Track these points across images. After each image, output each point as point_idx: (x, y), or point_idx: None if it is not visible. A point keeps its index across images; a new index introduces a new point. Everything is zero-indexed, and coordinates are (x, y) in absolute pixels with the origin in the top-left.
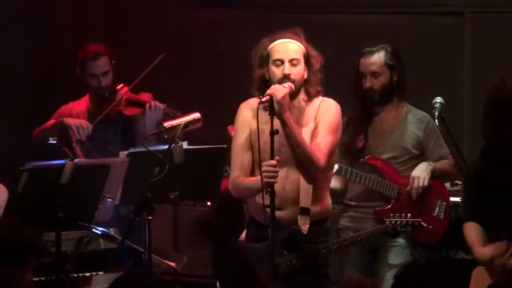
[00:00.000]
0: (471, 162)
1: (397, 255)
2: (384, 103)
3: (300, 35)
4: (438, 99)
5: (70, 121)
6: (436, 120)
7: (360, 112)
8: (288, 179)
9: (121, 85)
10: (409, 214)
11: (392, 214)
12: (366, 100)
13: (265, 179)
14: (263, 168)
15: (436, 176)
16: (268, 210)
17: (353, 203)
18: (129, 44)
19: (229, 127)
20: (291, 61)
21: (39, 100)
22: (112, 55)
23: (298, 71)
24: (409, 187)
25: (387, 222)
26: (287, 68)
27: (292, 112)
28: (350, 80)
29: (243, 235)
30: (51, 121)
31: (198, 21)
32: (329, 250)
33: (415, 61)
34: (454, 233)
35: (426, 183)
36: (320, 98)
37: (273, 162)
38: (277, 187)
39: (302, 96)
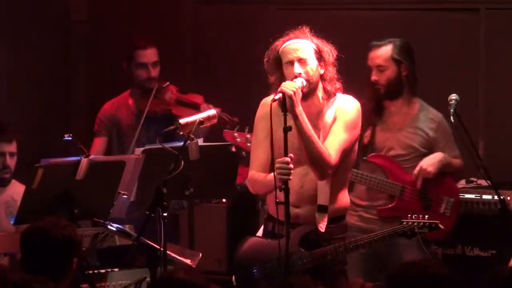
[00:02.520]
0: (486, 159)
1: (414, 255)
2: (393, 98)
3: (307, 32)
4: (454, 96)
5: None
6: (452, 117)
7: (369, 106)
8: (307, 176)
9: (167, 83)
10: (426, 216)
11: (409, 215)
12: (373, 94)
13: (279, 176)
14: (277, 165)
15: (446, 172)
16: (290, 207)
17: (363, 203)
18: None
19: (224, 131)
20: (299, 60)
21: (54, 97)
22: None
23: (309, 69)
24: (414, 173)
25: (404, 223)
26: (296, 68)
27: (311, 110)
28: (364, 77)
29: (260, 230)
30: (97, 145)
31: (212, 18)
32: (346, 248)
33: (430, 57)
34: (469, 230)
35: (431, 175)
36: (339, 95)
37: (287, 159)
38: (295, 184)
39: (320, 94)
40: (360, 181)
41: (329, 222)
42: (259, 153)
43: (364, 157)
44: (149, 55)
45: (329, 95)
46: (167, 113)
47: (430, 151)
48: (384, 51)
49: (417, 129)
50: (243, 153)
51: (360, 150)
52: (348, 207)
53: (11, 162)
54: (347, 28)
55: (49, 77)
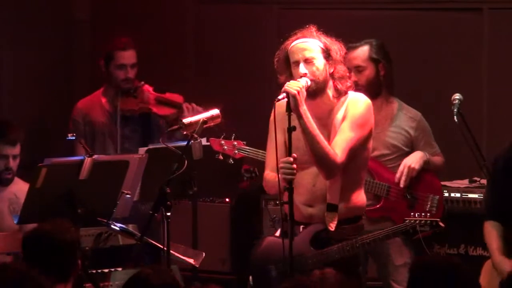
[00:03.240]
0: (489, 159)
1: (401, 255)
2: (372, 98)
3: (313, 31)
4: (457, 96)
5: None
6: (455, 117)
7: None
8: (320, 175)
9: (142, 82)
10: (428, 214)
11: (412, 214)
12: None
13: (283, 176)
14: (280, 165)
15: (428, 169)
16: (304, 206)
17: None
18: (146, 40)
19: (210, 139)
20: (305, 60)
21: (56, 96)
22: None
23: (315, 69)
24: (397, 174)
25: (407, 221)
26: (301, 68)
27: (321, 110)
28: None
29: (278, 230)
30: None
31: (215, 17)
32: (353, 247)
33: (433, 57)
34: (472, 230)
35: (414, 173)
36: (351, 94)
37: (290, 159)
38: (307, 183)
39: (330, 92)
40: None
41: (343, 223)
42: (273, 154)
43: None
44: (129, 56)
45: (339, 94)
46: (146, 111)
47: (412, 149)
48: (361, 52)
49: (399, 128)
50: (230, 160)
51: None
52: (364, 208)
53: (14, 164)
54: (349, 28)
55: (51, 76)
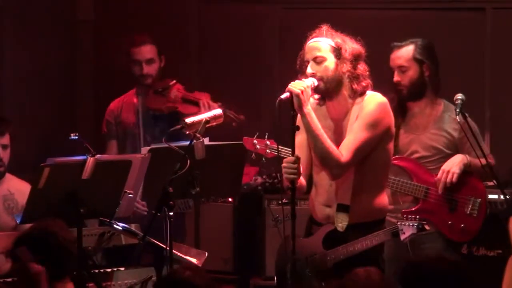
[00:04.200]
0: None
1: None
2: (416, 99)
3: (324, 30)
4: (460, 96)
5: None
6: (458, 117)
7: (392, 108)
8: None
9: (174, 81)
10: (417, 216)
11: (405, 216)
12: (395, 95)
13: (285, 176)
14: (283, 165)
15: (471, 172)
16: (322, 207)
17: (389, 207)
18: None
19: (244, 138)
20: (314, 59)
21: (60, 96)
22: (159, 48)
23: (325, 68)
24: (437, 179)
25: (398, 223)
26: (309, 68)
27: (338, 110)
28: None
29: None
30: (112, 147)
31: (218, 17)
32: (351, 251)
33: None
34: None
35: (455, 179)
36: (369, 93)
37: (292, 158)
38: (325, 183)
39: (347, 92)
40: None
41: (361, 227)
42: (301, 154)
43: None
44: (143, 52)
45: (355, 94)
46: (174, 111)
47: (456, 151)
48: (405, 52)
49: (440, 130)
50: (263, 159)
51: None
52: (385, 211)
53: (4, 154)
54: (352, 28)
55: (55, 76)
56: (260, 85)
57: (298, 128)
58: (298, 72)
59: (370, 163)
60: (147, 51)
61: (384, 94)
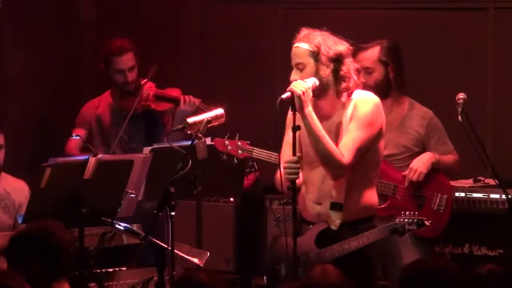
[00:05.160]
0: (494, 158)
1: (411, 254)
2: (381, 99)
3: (303, 35)
4: (462, 95)
5: None
6: (460, 116)
7: None
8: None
9: (145, 80)
10: (416, 213)
11: (403, 213)
12: None
13: (286, 176)
14: (284, 165)
15: (438, 169)
16: (313, 204)
17: None
18: (151, 39)
19: (215, 139)
20: (296, 65)
21: (62, 96)
22: (136, 49)
23: (305, 73)
24: (403, 174)
25: (397, 220)
26: (292, 74)
27: (326, 110)
28: None
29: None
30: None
31: (219, 17)
32: (344, 249)
33: (438, 56)
34: (477, 229)
35: (421, 178)
36: (360, 92)
37: (294, 158)
38: (316, 180)
39: (334, 92)
40: None
41: (355, 223)
42: (285, 152)
43: None
44: (125, 61)
45: (341, 93)
46: (147, 109)
47: (423, 149)
48: (371, 54)
49: (408, 128)
50: (234, 160)
51: None
52: (375, 207)
53: (0, 154)
54: (353, 28)
55: (57, 76)
56: (261, 85)
57: (299, 127)
58: None
59: (363, 162)
60: (129, 59)
61: None
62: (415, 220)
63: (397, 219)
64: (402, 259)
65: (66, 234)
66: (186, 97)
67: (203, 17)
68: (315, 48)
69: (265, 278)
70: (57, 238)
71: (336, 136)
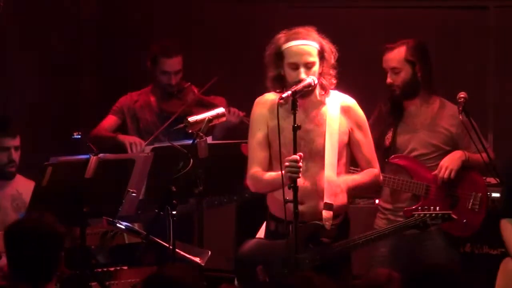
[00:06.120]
0: (495, 157)
1: (437, 253)
2: (409, 98)
3: (312, 33)
4: (462, 94)
5: (125, 138)
6: (461, 115)
7: (387, 108)
8: (308, 172)
9: (189, 83)
10: (437, 207)
11: (420, 208)
12: (389, 96)
13: (288, 174)
14: (286, 164)
15: (471, 167)
16: (291, 204)
17: (389, 206)
18: (152, 39)
19: (242, 145)
20: (306, 64)
21: (64, 95)
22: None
23: (313, 73)
24: (434, 173)
25: (416, 215)
26: (302, 74)
27: (309, 106)
28: (375, 75)
29: (261, 231)
30: (110, 120)
31: (223, 15)
32: (356, 244)
33: (440, 55)
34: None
35: (453, 175)
36: (339, 95)
37: (296, 157)
38: (297, 180)
39: (317, 90)
40: (384, 183)
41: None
42: (258, 151)
43: (386, 160)
44: (174, 64)
45: (325, 89)
46: (188, 113)
47: (454, 147)
48: (397, 53)
49: (438, 127)
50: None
51: (383, 153)
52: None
53: (16, 156)
54: (356, 27)
55: (58, 76)
56: (264, 84)
57: (299, 127)
58: (267, 67)
59: (345, 160)
60: (178, 62)
61: (373, 95)
62: (440, 214)
63: (415, 214)
64: (428, 259)
65: (61, 228)
66: (232, 108)
67: (207, 16)
68: (321, 47)
69: (236, 280)
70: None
71: (322, 134)
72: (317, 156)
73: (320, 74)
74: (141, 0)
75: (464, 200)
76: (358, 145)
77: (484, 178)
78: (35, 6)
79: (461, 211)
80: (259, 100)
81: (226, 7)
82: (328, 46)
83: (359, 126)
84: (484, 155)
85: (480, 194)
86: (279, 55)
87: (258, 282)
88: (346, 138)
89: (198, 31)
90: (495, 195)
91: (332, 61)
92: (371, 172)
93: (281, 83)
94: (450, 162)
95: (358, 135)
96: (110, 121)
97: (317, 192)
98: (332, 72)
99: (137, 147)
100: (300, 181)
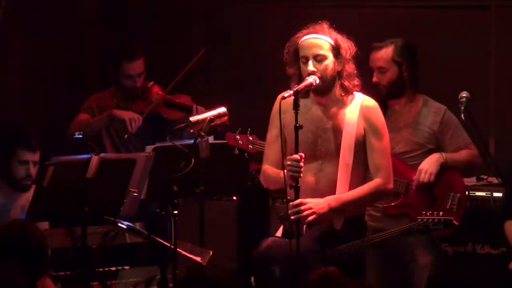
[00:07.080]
0: (497, 157)
1: (425, 253)
2: (395, 98)
3: (325, 28)
4: (465, 94)
5: (123, 113)
6: (462, 115)
7: None
8: (322, 172)
9: (152, 83)
10: (441, 213)
11: (424, 212)
12: (375, 95)
13: (289, 173)
14: (287, 163)
15: (452, 167)
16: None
17: None
18: (153, 39)
19: (226, 134)
20: (315, 57)
21: (65, 95)
22: (145, 55)
23: (325, 66)
24: (414, 179)
25: (419, 220)
26: (310, 65)
27: (329, 107)
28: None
29: (280, 231)
30: (84, 117)
31: (224, 15)
32: (363, 246)
33: (441, 55)
34: (480, 228)
35: (432, 178)
36: (361, 96)
37: (297, 157)
38: (310, 180)
39: (337, 90)
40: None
41: (349, 221)
42: (273, 149)
43: None
44: (136, 67)
45: (346, 92)
46: (154, 113)
47: (437, 145)
48: (384, 53)
49: (421, 125)
50: (246, 155)
51: None
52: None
53: (34, 171)
54: (357, 26)
55: (59, 76)
56: (266, 83)
57: (301, 127)
58: (287, 64)
59: (362, 161)
60: (140, 65)
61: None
62: (442, 220)
63: (419, 219)
64: (417, 259)
65: (42, 233)
66: (199, 107)
67: (207, 15)
68: (337, 43)
69: (252, 279)
70: (37, 237)
71: (339, 134)
72: (333, 155)
73: (339, 74)
74: (142, 0)
75: (442, 200)
76: (370, 149)
77: (463, 178)
78: (36, 6)
79: (439, 210)
80: (279, 97)
81: (227, 7)
82: (346, 44)
83: (374, 130)
84: (465, 152)
85: (459, 194)
86: (296, 52)
87: (275, 280)
88: (362, 140)
89: (199, 31)
90: (497, 195)
91: (348, 58)
92: (370, 185)
93: (300, 80)
94: (429, 166)
95: (371, 138)
96: (84, 117)
97: (331, 193)
98: (352, 72)
99: (136, 122)
100: (314, 181)
